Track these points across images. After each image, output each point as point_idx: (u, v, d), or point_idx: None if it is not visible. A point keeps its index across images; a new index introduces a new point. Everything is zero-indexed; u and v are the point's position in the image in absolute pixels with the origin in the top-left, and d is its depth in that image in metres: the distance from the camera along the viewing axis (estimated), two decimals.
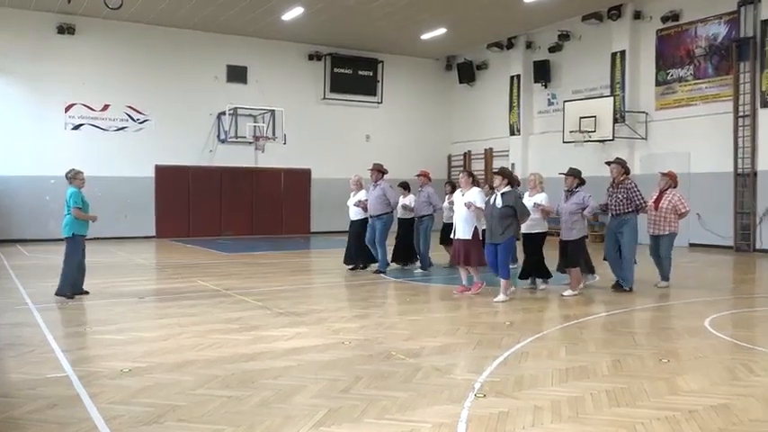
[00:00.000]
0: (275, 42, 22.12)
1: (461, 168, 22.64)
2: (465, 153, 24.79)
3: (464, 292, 9.23)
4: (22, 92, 18.89)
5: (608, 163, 9.76)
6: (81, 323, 7.34)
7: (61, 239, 9.16)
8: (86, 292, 9.13)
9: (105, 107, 19.91)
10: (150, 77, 20.38)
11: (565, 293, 9.09)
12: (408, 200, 12.05)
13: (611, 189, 9.59)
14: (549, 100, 21.66)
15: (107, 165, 19.64)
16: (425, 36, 21.44)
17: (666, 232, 9.78)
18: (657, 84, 18.29)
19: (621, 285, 9.41)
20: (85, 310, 8.15)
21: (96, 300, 8.88)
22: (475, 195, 9.02)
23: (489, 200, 8.87)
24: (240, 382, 4.99)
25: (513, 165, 22.03)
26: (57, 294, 8.80)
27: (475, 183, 9.52)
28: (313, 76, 23.14)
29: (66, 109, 19.40)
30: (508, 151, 22.67)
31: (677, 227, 9.86)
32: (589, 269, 9.80)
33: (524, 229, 9.41)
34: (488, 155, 23.63)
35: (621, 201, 9.36)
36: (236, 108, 20.57)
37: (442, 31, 20.83)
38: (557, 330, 6.97)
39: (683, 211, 9.79)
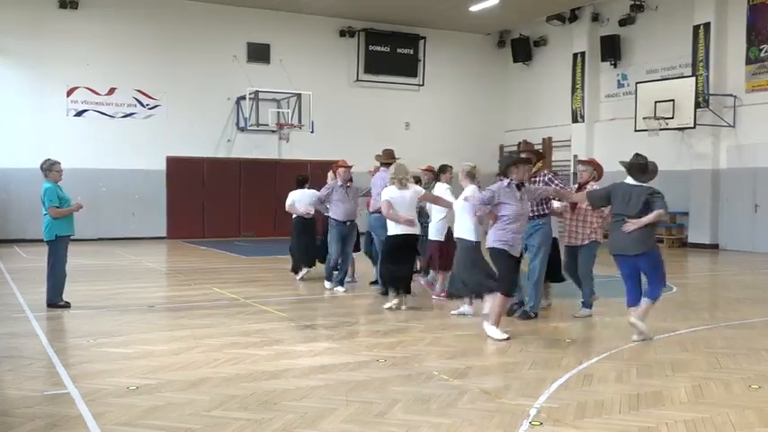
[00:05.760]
0: (302, 16, 22.29)
1: None
2: (519, 143, 24.44)
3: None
4: (19, 74, 19.38)
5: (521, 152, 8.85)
6: (84, 334, 7.50)
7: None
8: (67, 304, 9.04)
9: (111, 91, 20.32)
10: (161, 58, 20.73)
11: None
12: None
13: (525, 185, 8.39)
14: (618, 81, 21.38)
15: (113, 156, 20.06)
16: (474, 8, 21.32)
17: (586, 242, 8.46)
18: (749, 62, 17.90)
19: (515, 309, 8.34)
20: (89, 320, 8.32)
21: (101, 309, 9.07)
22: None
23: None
24: (260, 403, 5.05)
25: (575, 157, 21.80)
26: (49, 306, 8.92)
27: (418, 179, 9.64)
28: (345, 54, 23.26)
29: (68, 93, 19.86)
30: (570, 141, 22.46)
31: (599, 234, 8.52)
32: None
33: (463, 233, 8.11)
34: (547, 145, 23.40)
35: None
36: (258, 92, 20.79)
37: (494, 1, 20.70)
38: (627, 349, 6.88)
39: (606, 212, 8.15)
